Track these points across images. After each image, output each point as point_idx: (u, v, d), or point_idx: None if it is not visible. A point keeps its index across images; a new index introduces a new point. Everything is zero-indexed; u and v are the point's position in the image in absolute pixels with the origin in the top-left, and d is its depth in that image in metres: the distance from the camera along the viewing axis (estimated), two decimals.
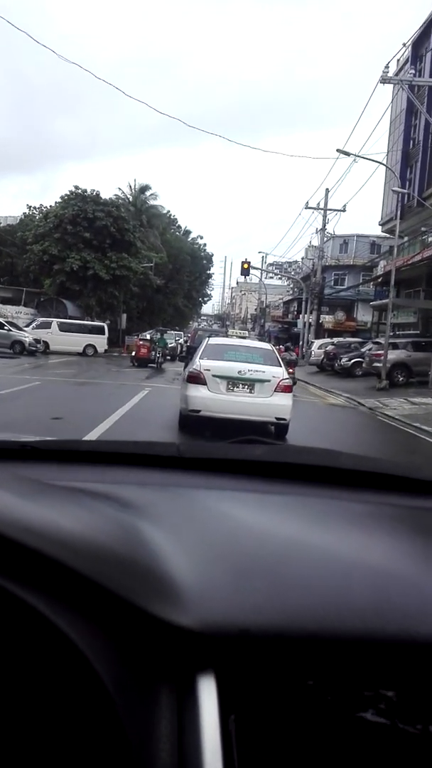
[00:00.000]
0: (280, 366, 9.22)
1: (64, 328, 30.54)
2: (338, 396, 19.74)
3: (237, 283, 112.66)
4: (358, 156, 21.60)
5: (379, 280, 35.46)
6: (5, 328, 27.29)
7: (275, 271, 66.74)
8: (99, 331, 32.16)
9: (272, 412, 8.64)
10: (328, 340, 32.45)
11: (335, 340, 31.83)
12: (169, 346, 29.88)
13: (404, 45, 28.77)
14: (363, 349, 26.76)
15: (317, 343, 31.84)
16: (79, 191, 36.34)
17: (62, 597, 0.59)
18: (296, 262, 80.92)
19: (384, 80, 18.53)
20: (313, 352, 31.24)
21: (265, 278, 64.29)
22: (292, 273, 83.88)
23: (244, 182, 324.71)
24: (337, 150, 20.88)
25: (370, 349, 23.27)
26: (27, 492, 0.80)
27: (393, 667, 0.63)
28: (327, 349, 29.27)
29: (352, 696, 0.62)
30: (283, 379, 8.79)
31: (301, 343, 39.32)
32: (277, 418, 8.68)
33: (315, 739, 0.60)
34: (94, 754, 0.55)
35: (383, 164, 25.87)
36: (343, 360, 26.36)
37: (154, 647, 0.60)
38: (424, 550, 0.90)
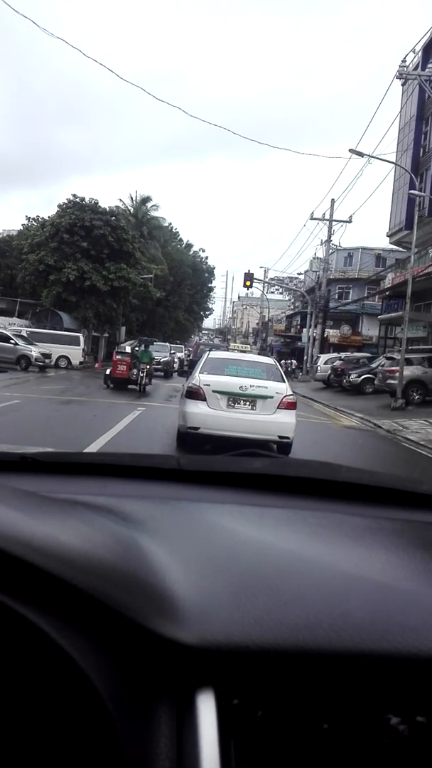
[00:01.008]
0: (284, 381, 8.65)
1: (35, 338, 27.14)
2: (350, 416, 17.85)
3: (238, 297, 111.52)
4: (371, 156, 19.92)
5: (387, 293, 33.74)
6: (11, 341, 25.08)
7: (277, 285, 65.14)
8: (74, 342, 29.38)
9: (275, 430, 8.08)
10: (334, 354, 30.60)
11: (342, 354, 29.96)
12: (162, 360, 27.01)
13: (414, 51, 27.26)
14: (373, 365, 24.92)
15: (323, 358, 29.98)
16: (77, 200, 34.71)
17: (62, 613, 0.58)
18: (297, 277, 79.86)
19: (401, 75, 17.04)
20: (319, 368, 29.36)
21: (267, 292, 62.60)
22: (294, 288, 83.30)
23: (247, 198, 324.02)
24: (350, 150, 19.22)
25: (382, 365, 21.39)
26: (26, 506, 0.78)
27: (394, 683, 0.62)
28: (334, 364, 27.43)
29: (353, 712, 0.61)
30: (286, 396, 8.24)
31: (305, 357, 37.46)
32: (280, 437, 8.08)
33: (316, 755, 0.60)
34: None
35: (398, 165, 24.15)
36: (352, 376, 24.52)
37: (153, 663, 0.60)
38: (424, 564, 0.88)
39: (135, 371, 18.59)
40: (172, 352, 31.64)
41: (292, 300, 76.22)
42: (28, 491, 0.90)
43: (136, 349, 19.73)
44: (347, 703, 0.61)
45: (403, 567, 0.86)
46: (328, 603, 0.69)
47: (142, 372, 18.45)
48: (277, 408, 8.16)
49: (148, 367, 18.83)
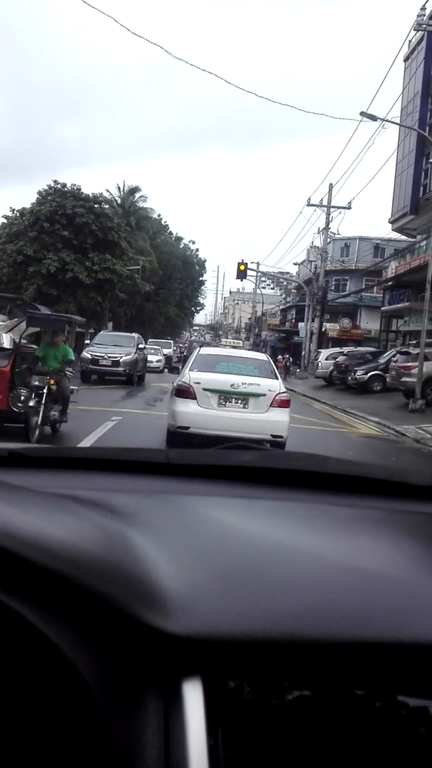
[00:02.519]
0: (277, 378, 8.33)
1: None
2: (363, 420, 15.19)
3: (230, 292, 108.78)
4: (384, 120, 17.27)
5: (390, 283, 31.13)
6: None
7: (269, 281, 62.39)
8: None
9: (268, 429, 7.69)
10: (336, 349, 27.92)
11: (345, 349, 27.28)
12: (123, 359, 18.61)
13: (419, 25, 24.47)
14: (380, 360, 22.29)
15: (324, 353, 27.31)
16: (58, 186, 31.79)
17: (48, 604, 0.58)
18: (289, 272, 77.47)
19: (419, 26, 14.53)
20: (320, 364, 26.67)
21: (259, 287, 59.80)
22: (285, 283, 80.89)
23: (240, 193, 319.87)
24: (361, 113, 16.55)
25: (395, 361, 18.73)
26: (12, 498, 0.77)
27: (381, 668, 0.63)
28: (337, 360, 24.76)
29: (341, 698, 0.62)
30: (279, 393, 7.88)
31: (303, 352, 34.75)
32: (273, 436, 7.67)
33: (304, 742, 0.60)
34: (80, 761, 0.55)
35: (414, 129, 21.42)
36: (359, 373, 21.88)
37: (140, 653, 0.60)
38: (409, 551, 0.89)
39: (24, 395, 8.01)
40: (141, 346, 21.20)
41: (284, 295, 73.88)
42: (15, 485, 0.87)
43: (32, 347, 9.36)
44: (335, 689, 0.62)
45: (388, 555, 0.85)
46: (314, 591, 0.69)
47: (38, 396, 7.90)
48: (270, 406, 7.76)
49: (58, 381, 8.37)
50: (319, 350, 29.19)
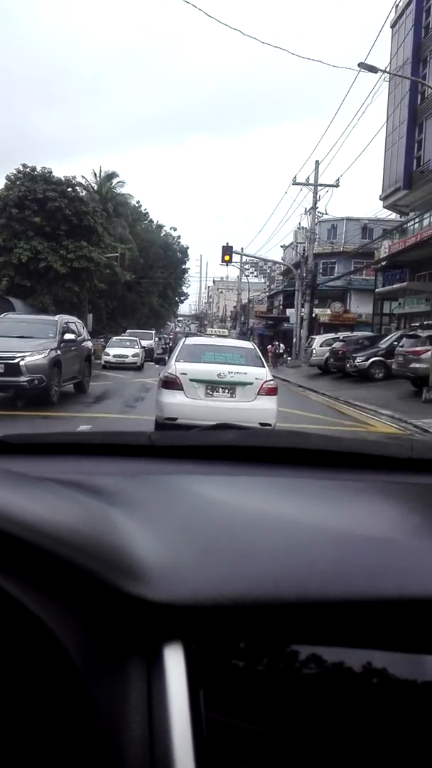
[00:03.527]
0: (264, 366, 8.08)
1: None
2: (375, 414, 13.21)
3: (213, 281, 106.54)
4: (384, 71, 15.17)
5: (383, 263, 29.17)
6: None
7: (252, 268, 60.12)
8: None
9: (256, 417, 7.25)
10: (331, 335, 25.89)
11: (341, 335, 25.26)
12: (25, 362, 10.55)
13: None
14: (381, 345, 20.33)
15: (318, 339, 25.28)
16: (28, 169, 29.31)
17: (26, 575, 0.58)
18: (273, 260, 75.27)
19: None
20: (314, 351, 24.64)
21: (243, 275, 57.58)
22: (269, 271, 78.75)
23: (224, 181, 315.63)
24: (359, 64, 14.40)
25: (401, 345, 16.75)
26: None
27: (361, 626, 0.63)
28: (334, 346, 22.74)
29: (322, 657, 0.62)
30: (266, 381, 7.67)
31: (294, 340, 32.69)
32: (262, 424, 7.10)
33: (287, 704, 0.60)
34: (64, 729, 0.55)
35: (419, 80, 19.30)
36: (358, 359, 19.91)
37: (121, 622, 0.60)
38: (387, 515, 0.91)
39: None
40: (78, 336, 13.26)
41: (267, 282, 71.73)
42: None
43: None
44: (315, 647, 0.62)
45: (366, 519, 0.87)
46: (292, 554, 0.71)
47: None
48: (258, 394, 7.66)
49: None
50: (313, 336, 27.16)
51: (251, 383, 7.64)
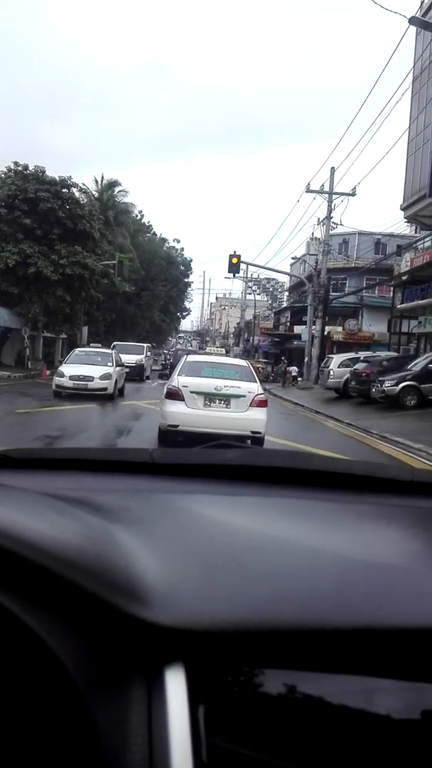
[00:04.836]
0: (255, 382, 9.01)
1: None
2: (428, 456, 10.13)
3: (216, 297, 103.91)
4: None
5: (404, 278, 26.26)
6: None
7: (255, 286, 57.22)
8: None
9: (248, 426, 8.40)
10: (350, 354, 22.82)
11: (362, 354, 22.20)
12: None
13: None
14: (412, 368, 17.31)
15: (336, 359, 22.20)
16: (19, 168, 26.55)
17: (29, 594, 0.58)
18: (275, 279, 72.67)
19: None
20: (331, 372, 21.57)
21: (248, 291, 54.68)
22: (271, 289, 76.15)
23: (231, 197, 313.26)
24: (410, 20, 11.46)
25: None
26: None
27: (362, 651, 0.62)
28: (356, 368, 19.67)
29: (323, 682, 0.61)
30: (257, 395, 8.61)
31: (306, 359, 29.58)
32: (253, 432, 8.41)
33: (287, 731, 0.59)
34: (65, 749, 0.55)
35: None
36: (387, 384, 16.83)
37: (124, 643, 0.60)
38: (389, 540, 0.90)
39: None
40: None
41: (270, 301, 68.95)
42: None
43: None
44: (317, 673, 0.61)
45: (367, 543, 0.86)
46: (294, 578, 0.70)
47: None
48: (250, 406, 8.45)
49: None
50: (330, 356, 24.09)
51: (244, 396, 8.48)
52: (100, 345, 23.18)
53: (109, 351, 18.58)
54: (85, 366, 16.25)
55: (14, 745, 0.55)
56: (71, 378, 15.55)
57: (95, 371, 15.95)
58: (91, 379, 15.62)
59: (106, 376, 15.93)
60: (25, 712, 0.55)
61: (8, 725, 0.55)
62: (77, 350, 18.75)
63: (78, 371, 15.81)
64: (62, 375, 15.84)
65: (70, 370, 15.97)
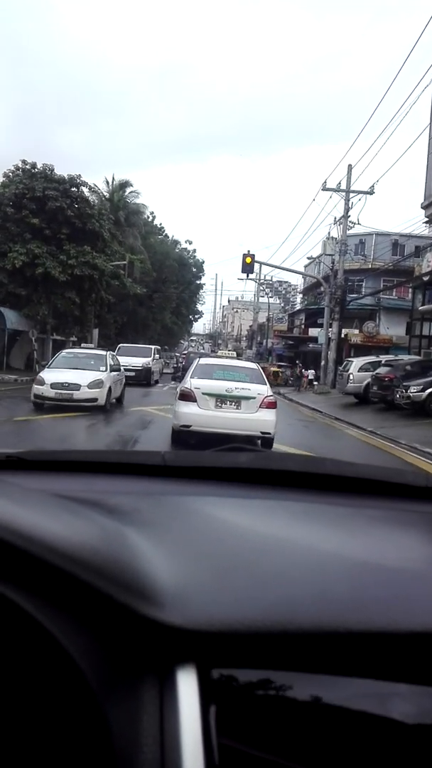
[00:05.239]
0: (265, 384, 9.21)
1: None
2: None
3: (228, 300, 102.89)
4: None
5: (426, 278, 25.08)
6: None
7: (268, 289, 56.08)
8: None
9: (258, 426, 8.59)
10: (371, 358, 21.67)
11: (384, 358, 21.06)
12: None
13: None
14: None
15: (356, 363, 21.07)
16: (27, 166, 25.73)
17: (45, 595, 0.58)
18: (287, 282, 71.60)
19: None
20: (351, 376, 20.45)
21: (260, 294, 53.59)
22: (284, 292, 75.17)
23: (244, 201, 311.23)
24: None
25: None
26: (9, 495, 0.77)
27: (374, 655, 0.62)
28: (378, 372, 18.55)
29: (335, 685, 0.61)
30: (267, 396, 8.79)
31: (323, 362, 28.44)
32: (262, 432, 8.60)
33: (299, 733, 0.60)
34: (78, 748, 0.55)
35: None
36: (413, 389, 15.71)
37: (136, 643, 0.60)
38: (402, 544, 0.90)
39: None
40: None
41: (282, 304, 67.94)
42: (12, 482, 0.86)
43: None
44: (328, 676, 0.61)
45: (381, 547, 0.85)
46: (307, 581, 0.70)
47: None
48: (259, 407, 8.62)
49: None
50: (349, 359, 22.94)
51: (254, 398, 8.69)
52: (92, 346, 21.09)
53: (103, 353, 15.36)
54: (72, 371, 13.21)
55: (28, 744, 0.55)
56: (53, 386, 12.67)
57: (83, 377, 12.98)
58: (77, 387, 12.74)
59: (96, 384, 13.02)
60: (38, 711, 0.55)
61: (22, 724, 0.56)
62: (64, 352, 15.48)
63: (61, 378, 12.86)
64: (42, 383, 12.83)
65: (52, 376, 13.00)
